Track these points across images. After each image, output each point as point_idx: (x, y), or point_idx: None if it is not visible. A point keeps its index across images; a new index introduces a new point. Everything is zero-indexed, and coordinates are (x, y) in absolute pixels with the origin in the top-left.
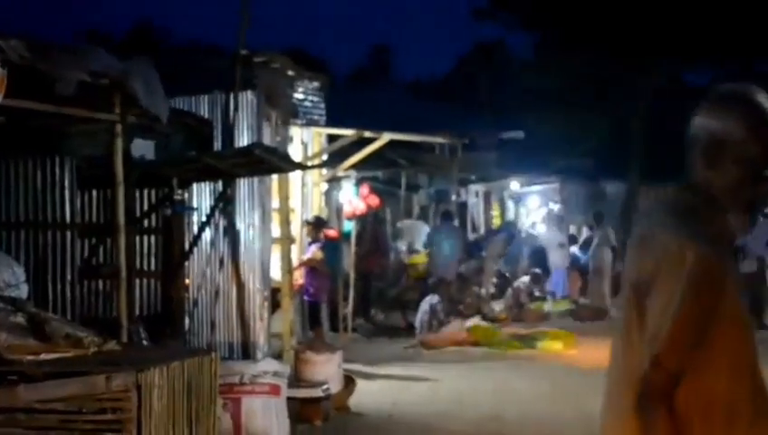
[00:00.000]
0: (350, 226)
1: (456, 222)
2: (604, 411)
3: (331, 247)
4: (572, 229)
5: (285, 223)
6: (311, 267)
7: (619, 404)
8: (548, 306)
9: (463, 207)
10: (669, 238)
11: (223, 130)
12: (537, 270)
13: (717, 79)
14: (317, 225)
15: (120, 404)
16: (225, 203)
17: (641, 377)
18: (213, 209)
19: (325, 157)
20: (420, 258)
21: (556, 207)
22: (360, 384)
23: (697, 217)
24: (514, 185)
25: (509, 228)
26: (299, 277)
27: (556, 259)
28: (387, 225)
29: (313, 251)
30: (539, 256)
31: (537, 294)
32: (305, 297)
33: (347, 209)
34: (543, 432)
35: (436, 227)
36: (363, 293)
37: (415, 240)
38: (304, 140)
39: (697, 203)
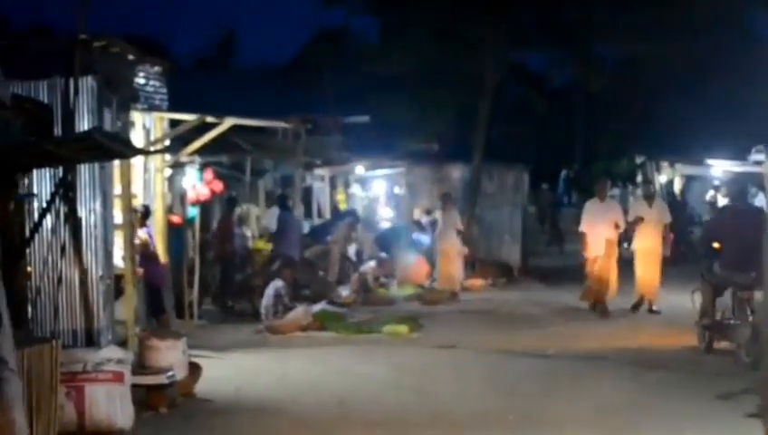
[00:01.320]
0: (194, 211)
1: (301, 208)
2: None
3: (175, 233)
4: (417, 214)
5: (128, 209)
6: (141, 252)
7: None
8: (394, 291)
9: (308, 191)
10: None
11: (63, 116)
12: (383, 254)
13: (557, 64)
14: (144, 214)
15: None
16: (65, 189)
17: None
18: (53, 196)
19: (167, 142)
20: (264, 243)
21: (401, 191)
22: (206, 370)
23: None
24: (360, 169)
25: (353, 213)
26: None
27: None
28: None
29: (139, 235)
30: (384, 241)
31: (383, 279)
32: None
33: (191, 195)
34: (388, 415)
35: (277, 213)
36: (220, 279)
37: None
38: (146, 126)
39: None
